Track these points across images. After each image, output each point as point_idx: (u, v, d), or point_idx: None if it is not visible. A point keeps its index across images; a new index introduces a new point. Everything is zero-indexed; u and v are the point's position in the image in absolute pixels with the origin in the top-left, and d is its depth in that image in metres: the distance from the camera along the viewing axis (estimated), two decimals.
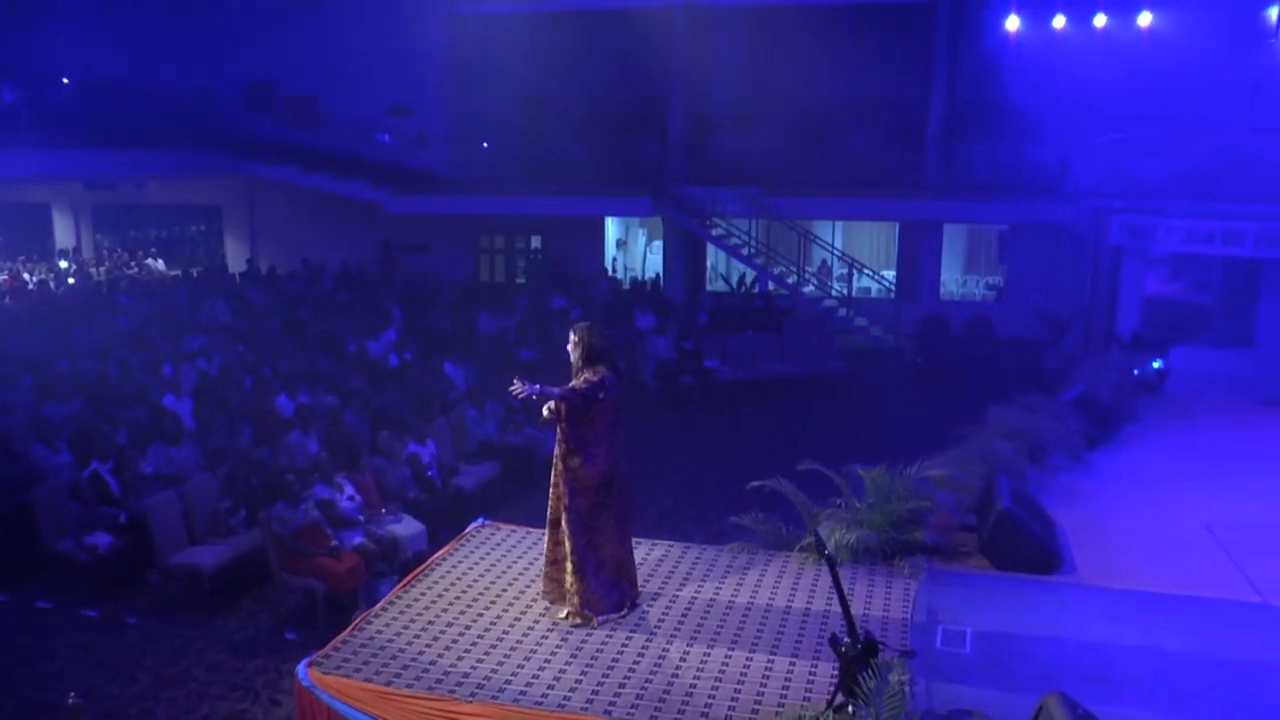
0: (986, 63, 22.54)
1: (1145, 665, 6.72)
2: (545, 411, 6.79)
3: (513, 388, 6.53)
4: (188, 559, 9.93)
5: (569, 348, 6.94)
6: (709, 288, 24.89)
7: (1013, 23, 22.10)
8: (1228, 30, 20.85)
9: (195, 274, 24.36)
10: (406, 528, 10.44)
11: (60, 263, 25.40)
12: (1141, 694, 6.37)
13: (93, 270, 24.80)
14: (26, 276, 23.05)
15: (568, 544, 6.80)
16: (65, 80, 24.05)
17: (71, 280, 23.71)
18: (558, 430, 6.83)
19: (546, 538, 7.03)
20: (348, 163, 24.53)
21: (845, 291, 23.84)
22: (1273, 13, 19.91)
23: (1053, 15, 21.83)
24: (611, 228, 26.72)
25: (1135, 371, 14.63)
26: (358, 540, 10.07)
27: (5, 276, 22.94)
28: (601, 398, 6.67)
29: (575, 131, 24.26)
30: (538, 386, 6.57)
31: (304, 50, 24.94)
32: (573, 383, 6.77)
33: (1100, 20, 21.55)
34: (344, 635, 6.71)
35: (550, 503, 6.95)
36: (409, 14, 24.18)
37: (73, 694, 6.61)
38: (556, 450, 6.86)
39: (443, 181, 24.56)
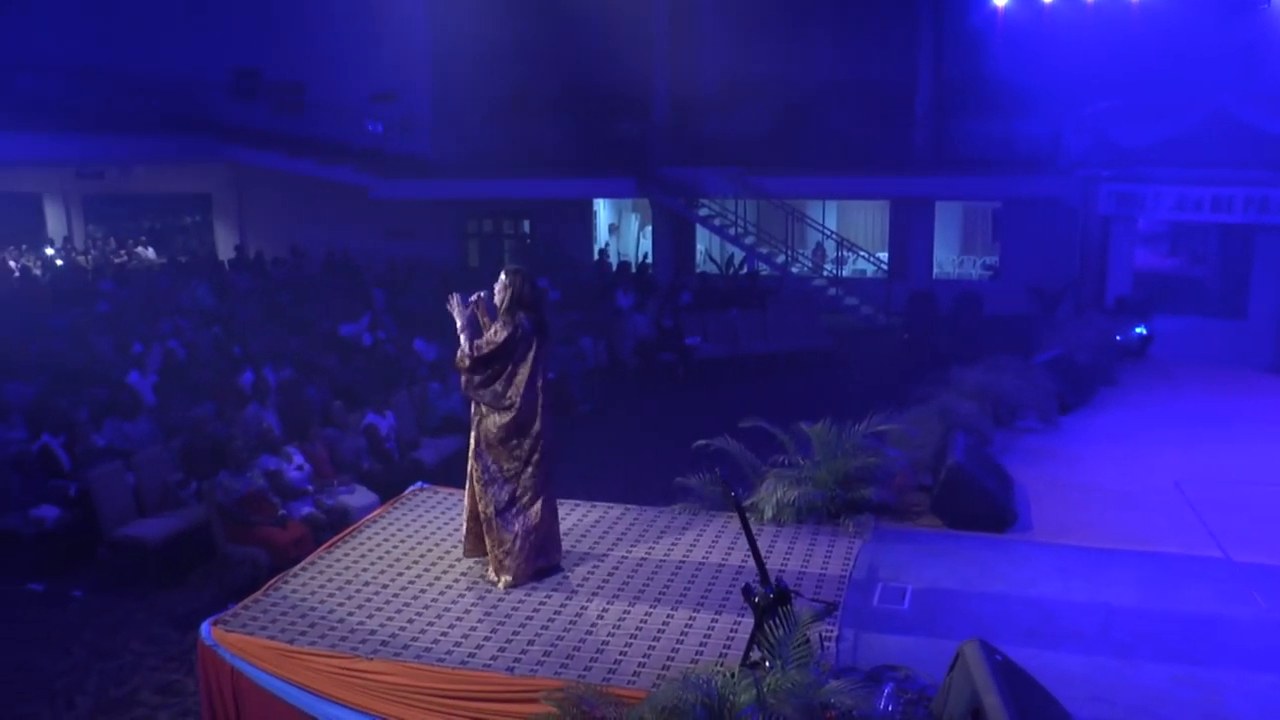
0: (974, 38, 22.21)
1: (1088, 619, 6.42)
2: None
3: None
4: (133, 532, 9.76)
5: (496, 289, 6.59)
6: (700, 270, 24.57)
7: None
8: None
9: (183, 261, 24.34)
10: (359, 499, 10.24)
11: (47, 250, 25.30)
12: (1081, 646, 6.09)
13: (81, 258, 24.69)
14: (11, 265, 22.94)
15: (483, 502, 6.55)
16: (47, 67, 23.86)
17: (59, 264, 23.63)
18: (462, 380, 6.59)
19: (467, 494, 6.77)
20: (333, 148, 24.35)
21: (837, 272, 23.51)
22: None
23: None
24: (603, 212, 26.43)
25: (1118, 337, 14.21)
26: (306, 510, 9.89)
27: None
28: (508, 346, 6.42)
29: (560, 114, 24.05)
30: (469, 309, 6.60)
31: (289, 36, 24.77)
32: (486, 335, 6.52)
33: None
34: (256, 595, 6.50)
35: (470, 459, 6.69)
36: None
37: None
38: (474, 405, 6.62)
39: (427, 165, 24.34)
